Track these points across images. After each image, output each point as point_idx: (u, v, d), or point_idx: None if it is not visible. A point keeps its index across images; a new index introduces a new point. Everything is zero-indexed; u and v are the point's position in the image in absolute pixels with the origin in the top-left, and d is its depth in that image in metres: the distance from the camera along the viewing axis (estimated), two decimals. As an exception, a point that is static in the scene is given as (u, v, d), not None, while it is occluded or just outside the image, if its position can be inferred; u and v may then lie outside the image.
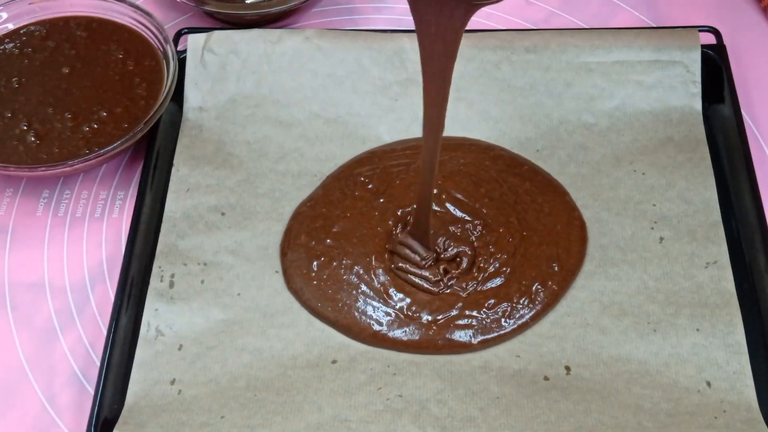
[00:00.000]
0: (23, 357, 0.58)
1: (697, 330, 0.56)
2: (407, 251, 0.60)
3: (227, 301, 0.58)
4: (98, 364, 0.56)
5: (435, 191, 0.62)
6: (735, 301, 0.57)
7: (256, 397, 0.54)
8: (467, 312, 0.58)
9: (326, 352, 0.57)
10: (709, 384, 0.54)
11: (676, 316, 0.56)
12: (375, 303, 0.58)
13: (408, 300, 0.58)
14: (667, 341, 0.56)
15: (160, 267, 0.59)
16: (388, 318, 0.58)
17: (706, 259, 0.59)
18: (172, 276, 0.59)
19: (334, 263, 0.60)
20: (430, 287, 0.59)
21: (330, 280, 0.59)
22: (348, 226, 0.61)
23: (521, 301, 0.58)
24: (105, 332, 0.56)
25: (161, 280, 0.59)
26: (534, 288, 0.58)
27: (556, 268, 0.59)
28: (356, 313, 0.58)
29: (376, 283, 0.59)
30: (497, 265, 0.59)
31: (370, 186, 0.63)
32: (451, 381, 0.55)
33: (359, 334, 0.57)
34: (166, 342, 0.56)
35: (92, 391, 0.54)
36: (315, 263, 0.60)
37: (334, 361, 0.56)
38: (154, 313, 0.57)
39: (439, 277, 0.59)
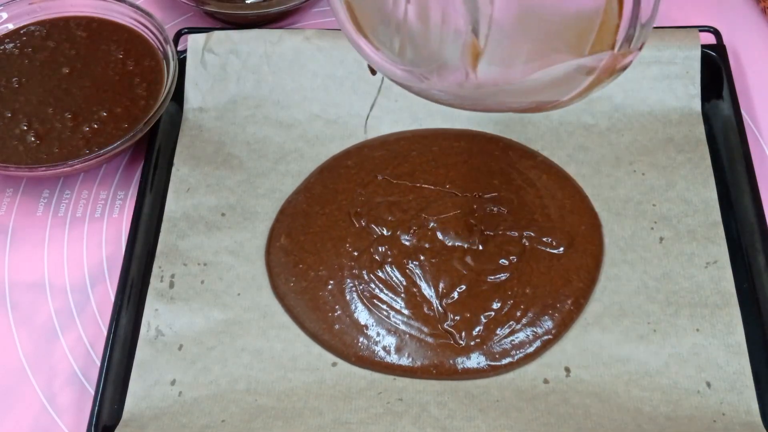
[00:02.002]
0: (23, 357, 0.58)
1: (697, 330, 0.56)
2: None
3: (227, 302, 0.58)
4: (98, 364, 0.56)
5: (437, 188, 0.61)
6: (735, 301, 0.56)
7: (257, 402, 0.54)
8: (488, 357, 0.55)
9: (326, 353, 0.56)
10: (708, 384, 0.54)
11: (676, 316, 0.56)
12: (354, 333, 0.56)
13: (395, 340, 0.56)
14: (666, 341, 0.55)
15: (160, 267, 0.59)
16: (375, 357, 0.56)
17: (706, 259, 0.59)
18: (172, 276, 0.59)
19: (312, 273, 0.59)
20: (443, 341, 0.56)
21: (308, 294, 0.58)
22: (325, 224, 0.61)
23: (551, 325, 0.56)
24: (105, 332, 0.56)
25: (161, 280, 0.59)
26: (567, 308, 0.57)
27: (585, 279, 0.58)
28: (337, 342, 0.56)
29: (352, 307, 0.57)
30: (537, 285, 0.57)
31: (354, 178, 0.63)
32: (451, 384, 0.55)
33: (348, 359, 0.56)
34: (166, 342, 0.56)
35: (92, 391, 0.54)
36: (294, 270, 0.59)
37: (334, 364, 0.56)
38: (154, 313, 0.57)
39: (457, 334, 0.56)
